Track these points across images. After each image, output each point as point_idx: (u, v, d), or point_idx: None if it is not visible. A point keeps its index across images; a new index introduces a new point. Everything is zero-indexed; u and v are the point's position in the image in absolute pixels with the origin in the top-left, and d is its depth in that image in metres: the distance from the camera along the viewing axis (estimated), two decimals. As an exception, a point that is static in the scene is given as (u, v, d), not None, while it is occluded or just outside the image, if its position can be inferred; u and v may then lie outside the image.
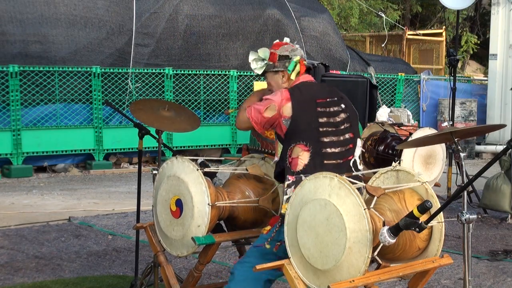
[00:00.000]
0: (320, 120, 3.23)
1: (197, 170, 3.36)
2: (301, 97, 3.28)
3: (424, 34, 17.36)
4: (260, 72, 3.46)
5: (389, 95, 13.47)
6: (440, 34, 17.22)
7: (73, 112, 10.03)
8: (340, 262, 2.72)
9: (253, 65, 3.45)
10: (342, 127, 3.27)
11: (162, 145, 4.26)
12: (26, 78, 9.55)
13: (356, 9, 18.89)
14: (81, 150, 10.10)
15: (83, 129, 10.08)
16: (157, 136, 4.18)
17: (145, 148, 10.11)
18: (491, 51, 13.08)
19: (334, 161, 3.20)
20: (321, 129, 3.22)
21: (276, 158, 3.44)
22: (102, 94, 10.15)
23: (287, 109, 3.24)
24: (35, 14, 9.79)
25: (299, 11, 12.63)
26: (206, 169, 3.49)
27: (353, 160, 3.28)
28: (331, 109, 3.28)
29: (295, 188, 3.13)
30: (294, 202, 2.93)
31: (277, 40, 3.54)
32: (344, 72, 12.38)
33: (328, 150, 3.20)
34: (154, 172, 3.74)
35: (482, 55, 22.24)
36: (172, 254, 3.52)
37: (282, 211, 3.16)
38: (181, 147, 10.83)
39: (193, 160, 3.44)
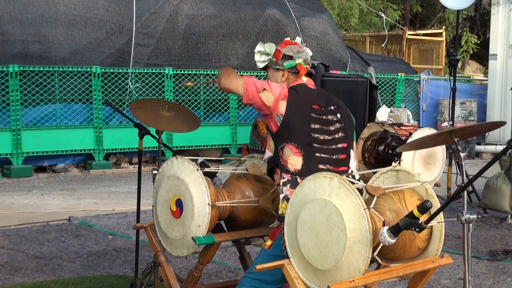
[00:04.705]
0: (313, 126, 3.22)
1: (197, 170, 3.36)
2: (297, 99, 3.26)
3: (424, 34, 17.36)
4: (261, 66, 3.45)
5: (389, 95, 13.47)
6: (440, 34, 17.23)
7: (73, 112, 10.03)
8: (340, 262, 2.72)
9: (257, 57, 3.45)
10: (336, 136, 3.26)
11: (162, 145, 4.26)
12: (26, 78, 9.55)
13: (356, 9, 18.89)
14: (81, 150, 10.10)
15: (83, 129, 10.08)
16: (157, 136, 4.18)
17: (145, 148, 10.11)
18: (491, 51, 13.08)
19: (327, 166, 3.19)
20: (313, 135, 3.21)
21: (269, 153, 3.40)
22: (102, 94, 10.15)
23: (282, 107, 3.22)
24: (35, 14, 9.79)
25: (299, 11, 12.63)
26: (206, 169, 3.49)
27: (350, 171, 3.25)
28: (327, 117, 3.27)
29: (291, 187, 3.15)
30: (294, 202, 2.93)
31: (288, 38, 3.52)
32: (344, 72, 12.37)
33: (321, 155, 3.19)
34: (154, 172, 3.74)
35: (482, 55, 22.24)
36: (172, 254, 3.51)
37: (280, 212, 3.16)
38: (181, 147, 10.83)
39: (193, 160, 3.44)
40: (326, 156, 3.21)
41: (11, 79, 9.38)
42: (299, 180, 3.15)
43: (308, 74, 3.44)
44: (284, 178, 3.20)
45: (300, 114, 3.23)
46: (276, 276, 3.12)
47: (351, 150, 3.32)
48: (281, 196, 3.18)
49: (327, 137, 3.23)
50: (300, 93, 3.30)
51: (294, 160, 3.19)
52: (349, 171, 3.25)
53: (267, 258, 3.12)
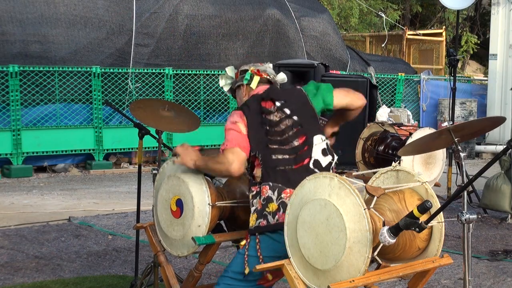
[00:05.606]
0: (266, 127, 3.19)
1: (197, 170, 3.37)
2: (249, 109, 3.23)
3: (424, 34, 17.37)
4: (226, 88, 3.51)
5: (389, 95, 13.47)
6: (440, 34, 17.23)
7: (73, 112, 10.04)
8: (340, 262, 2.72)
9: (222, 83, 3.51)
10: (287, 134, 3.19)
11: (162, 145, 4.26)
12: (26, 78, 9.55)
13: (356, 9, 18.89)
14: (81, 150, 10.10)
15: (83, 129, 10.08)
16: (157, 136, 4.19)
17: (145, 148, 10.11)
18: (491, 51, 13.08)
19: (287, 167, 3.13)
20: (268, 137, 3.18)
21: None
22: (102, 94, 10.15)
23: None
24: (35, 14, 9.79)
25: (299, 11, 12.63)
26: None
27: (312, 161, 3.18)
28: (275, 118, 3.21)
29: (259, 199, 3.13)
30: (294, 202, 2.93)
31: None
32: (344, 72, 12.38)
33: (279, 156, 3.15)
34: (154, 172, 3.74)
35: (482, 55, 22.25)
36: (172, 254, 3.52)
37: (250, 224, 3.14)
38: (181, 147, 10.82)
39: (193, 160, 3.44)
40: (284, 157, 3.15)
41: (11, 79, 9.38)
42: (262, 187, 3.13)
43: (268, 83, 3.42)
44: (252, 191, 3.18)
45: (255, 120, 3.20)
46: (252, 276, 3.12)
47: (314, 138, 3.22)
48: (252, 209, 3.16)
49: (278, 138, 3.18)
50: (248, 103, 3.28)
51: (258, 171, 3.17)
52: (312, 161, 3.17)
53: (242, 258, 3.14)
